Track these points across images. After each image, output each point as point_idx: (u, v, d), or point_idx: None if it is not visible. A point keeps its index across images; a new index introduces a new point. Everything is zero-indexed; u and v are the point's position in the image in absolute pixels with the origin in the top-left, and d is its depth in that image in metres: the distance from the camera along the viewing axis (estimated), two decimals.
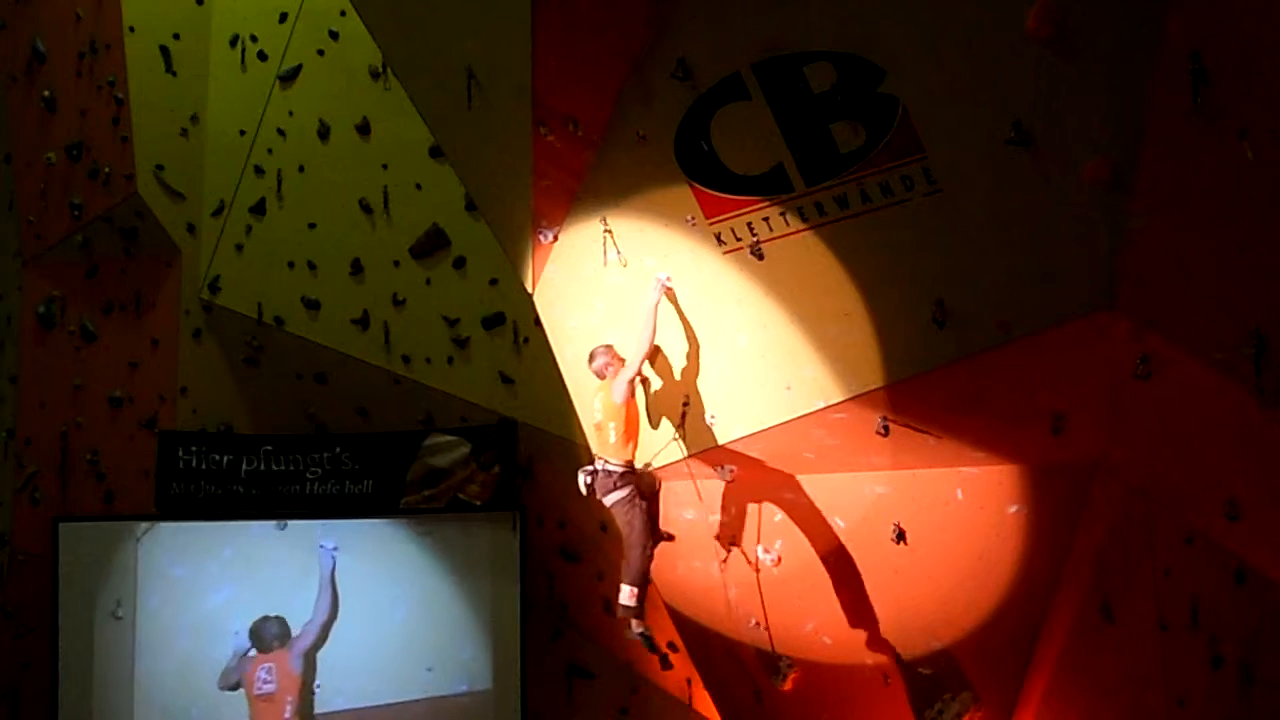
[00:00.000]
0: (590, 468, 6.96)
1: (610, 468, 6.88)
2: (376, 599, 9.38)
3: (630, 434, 6.92)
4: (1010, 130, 5.70)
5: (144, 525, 9.34)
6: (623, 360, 6.94)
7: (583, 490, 6.99)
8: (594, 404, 7.04)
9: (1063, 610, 6.98)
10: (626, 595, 6.93)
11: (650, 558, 6.99)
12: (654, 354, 7.04)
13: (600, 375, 7.01)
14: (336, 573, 9.32)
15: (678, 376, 7.10)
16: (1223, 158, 5.05)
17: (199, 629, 9.26)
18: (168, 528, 9.34)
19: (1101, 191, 5.63)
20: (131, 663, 9.22)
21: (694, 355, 7.04)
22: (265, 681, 9.22)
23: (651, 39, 6.34)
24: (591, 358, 7.03)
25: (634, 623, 6.99)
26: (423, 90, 7.45)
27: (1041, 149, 5.70)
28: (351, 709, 9.31)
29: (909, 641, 7.39)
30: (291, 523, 9.36)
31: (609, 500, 6.90)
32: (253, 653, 9.20)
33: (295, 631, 9.26)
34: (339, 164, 9.45)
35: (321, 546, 9.30)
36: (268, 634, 9.24)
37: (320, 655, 9.33)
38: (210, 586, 9.30)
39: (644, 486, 7.02)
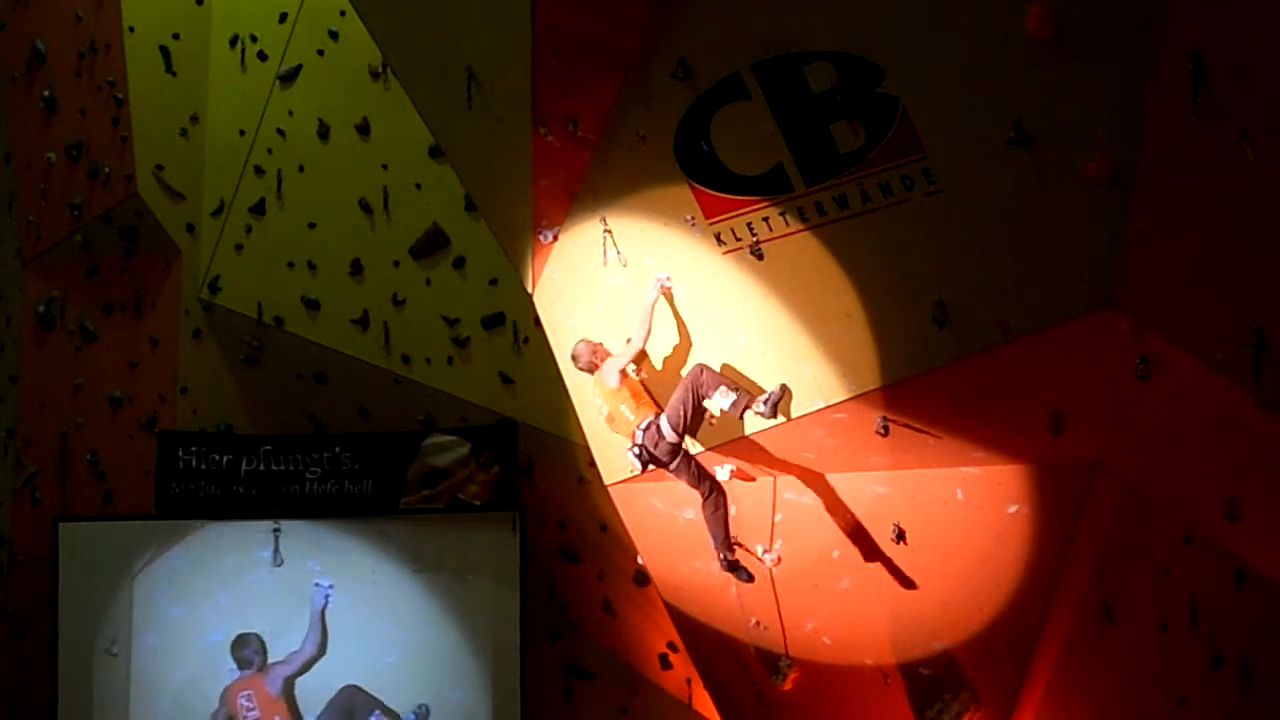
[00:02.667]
0: (633, 447, 6.84)
1: (644, 424, 6.79)
2: (372, 640, 9.39)
3: (641, 401, 6.89)
4: (1010, 130, 5.70)
5: (140, 561, 9.33)
6: (608, 351, 6.96)
7: (639, 467, 6.87)
8: (595, 401, 7.05)
9: (1063, 610, 6.98)
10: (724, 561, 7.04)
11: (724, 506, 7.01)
12: (641, 357, 7.03)
13: (591, 370, 7.01)
14: (328, 611, 9.32)
15: (677, 377, 7.09)
16: (1223, 158, 5.05)
17: (194, 668, 9.30)
18: (164, 565, 9.33)
19: (1101, 191, 5.63)
20: (126, 701, 9.26)
21: (693, 356, 7.04)
22: (249, 710, 9.26)
23: (651, 39, 6.34)
24: (575, 358, 7.03)
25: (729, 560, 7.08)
26: (423, 90, 7.45)
27: (1041, 149, 5.70)
28: None
29: (909, 641, 7.39)
30: (289, 561, 9.35)
31: (670, 440, 6.76)
32: (234, 674, 9.22)
33: (275, 656, 9.29)
34: (339, 164, 9.46)
35: (317, 585, 9.31)
36: (246, 651, 9.28)
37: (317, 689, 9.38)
38: (207, 626, 9.33)
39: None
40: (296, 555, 9.37)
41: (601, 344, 7.01)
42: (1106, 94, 5.47)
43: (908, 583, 7.25)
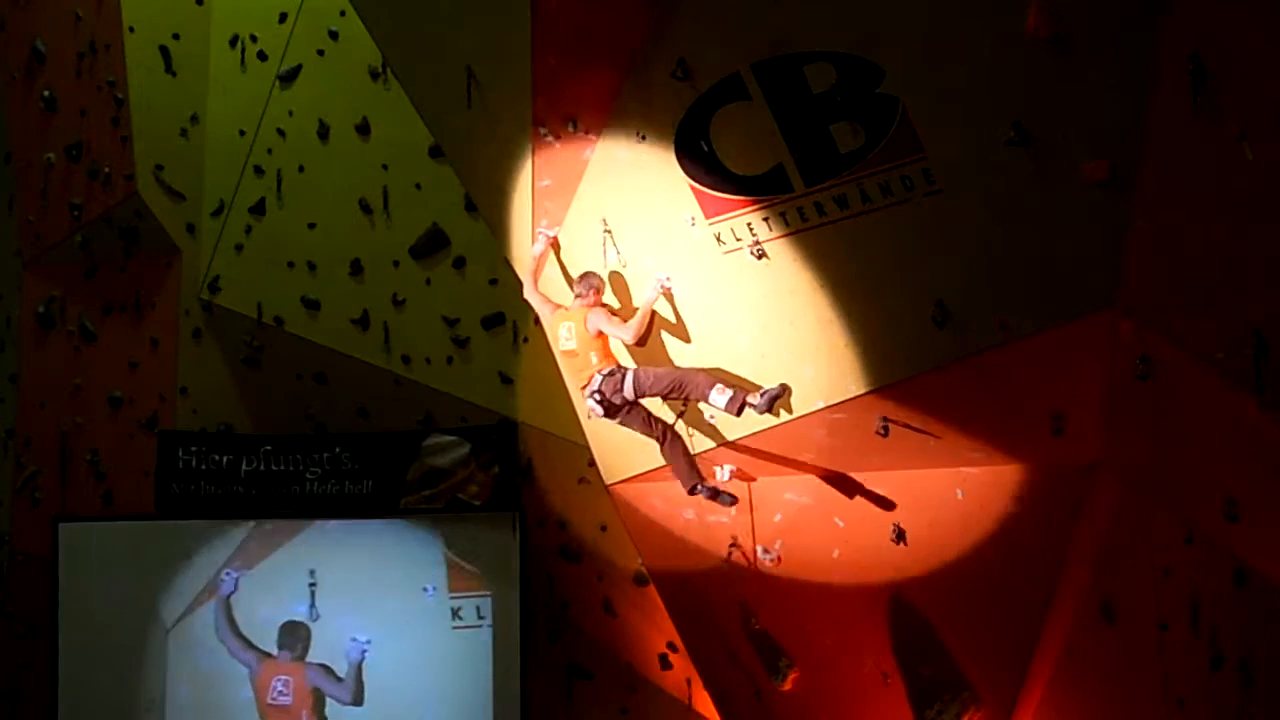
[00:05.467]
0: (594, 388, 6.90)
1: (607, 370, 6.88)
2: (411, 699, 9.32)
3: (608, 354, 6.96)
4: (1010, 130, 5.70)
5: (175, 616, 9.29)
6: (602, 299, 6.98)
7: (598, 413, 6.94)
8: (560, 332, 7.04)
9: (1063, 610, 6.98)
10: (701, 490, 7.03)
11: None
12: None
13: (580, 296, 6.99)
14: (365, 666, 9.22)
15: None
16: (1223, 158, 5.05)
17: None
18: (198, 619, 9.28)
19: (1101, 191, 5.63)
20: None
21: (693, 356, 7.04)
22: (281, 694, 9.20)
23: (651, 39, 6.34)
24: (579, 280, 7.03)
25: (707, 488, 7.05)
26: (423, 90, 7.45)
27: (1041, 149, 5.70)
28: None
29: (909, 641, 7.39)
30: (325, 616, 9.26)
31: (627, 395, 6.84)
32: (274, 654, 9.22)
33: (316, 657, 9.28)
34: (339, 164, 9.44)
35: (354, 640, 9.22)
36: (294, 637, 9.23)
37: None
38: (241, 679, 9.25)
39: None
40: (333, 610, 9.29)
41: (602, 286, 7.03)
42: (1106, 94, 5.47)
43: (907, 582, 7.25)
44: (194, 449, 9.50)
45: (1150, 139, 5.40)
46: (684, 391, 6.82)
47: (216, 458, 9.49)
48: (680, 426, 7.15)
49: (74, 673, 9.24)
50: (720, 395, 6.70)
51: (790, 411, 6.82)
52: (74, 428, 9.98)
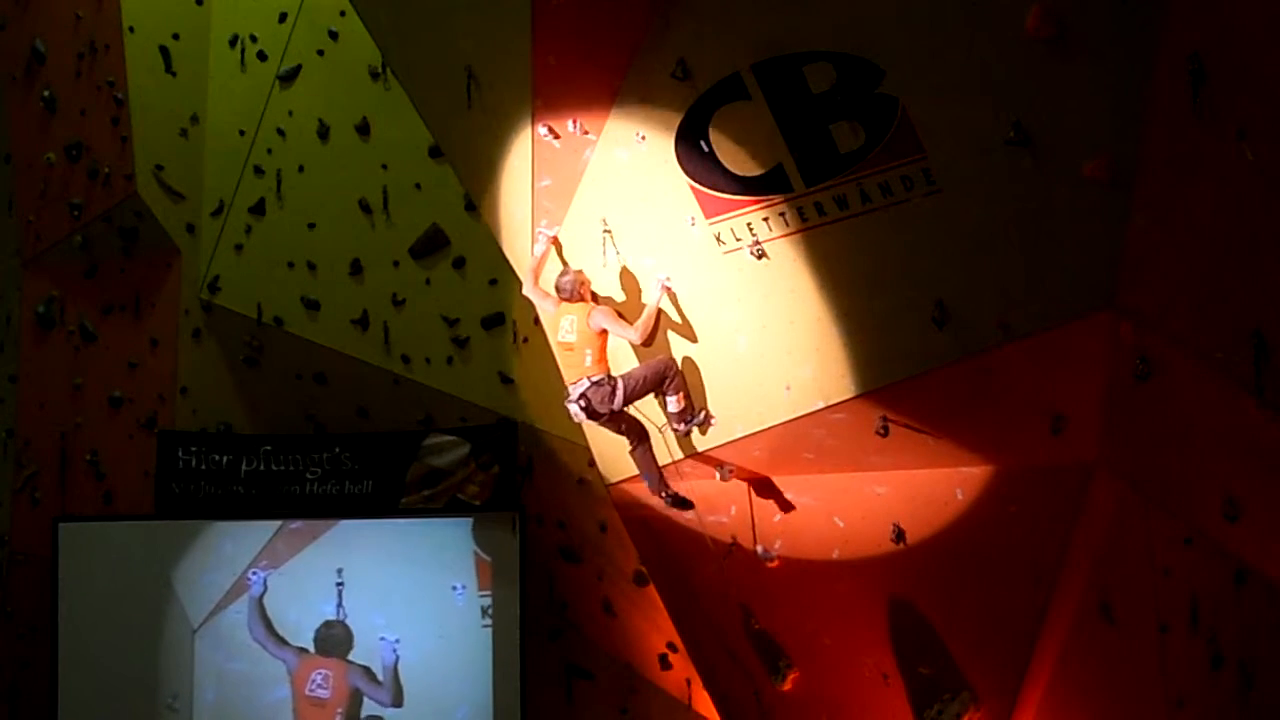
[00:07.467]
0: (578, 394, 6.92)
1: (597, 379, 6.90)
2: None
3: (603, 357, 6.99)
4: (1010, 130, 5.70)
5: (201, 616, 9.28)
6: (589, 292, 7.02)
7: (578, 418, 6.99)
8: (562, 324, 7.03)
9: (1062, 611, 6.98)
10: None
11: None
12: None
13: (574, 299, 7.00)
14: (400, 666, 9.19)
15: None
16: (1222, 158, 5.05)
17: None
18: (224, 620, 9.27)
19: (1101, 191, 5.63)
20: None
21: (693, 356, 7.05)
22: (320, 686, 9.17)
23: (651, 39, 6.34)
24: (560, 289, 7.03)
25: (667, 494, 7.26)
26: (423, 90, 7.46)
27: (1041, 149, 5.70)
28: None
29: (909, 641, 7.39)
30: (352, 614, 9.26)
31: (616, 407, 6.92)
32: (310, 651, 9.21)
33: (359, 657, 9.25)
34: (339, 164, 9.44)
35: (382, 639, 9.20)
36: (334, 632, 9.20)
37: None
38: (269, 682, 9.25)
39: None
40: (361, 609, 9.27)
41: (588, 279, 7.07)
42: (1106, 94, 5.47)
43: (908, 583, 7.25)
44: (194, 449, 9.50)
45: (1150, 138, 5.40)
46: (669, 383, 6.94)
47: (216, 458, 9.48)
48: (653, 431, 7.22)
49: (74, 673, 9.23)
50: (677, 404, 6.96)
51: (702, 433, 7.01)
52: (74, 428, 9.97)
